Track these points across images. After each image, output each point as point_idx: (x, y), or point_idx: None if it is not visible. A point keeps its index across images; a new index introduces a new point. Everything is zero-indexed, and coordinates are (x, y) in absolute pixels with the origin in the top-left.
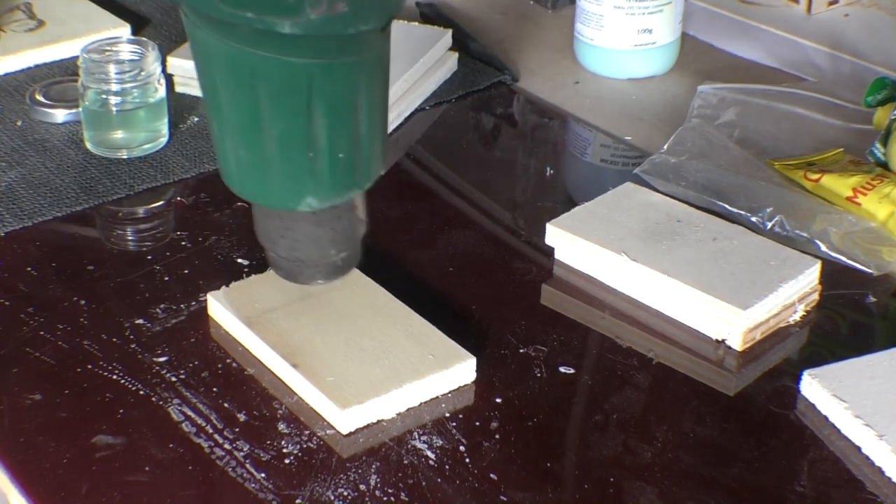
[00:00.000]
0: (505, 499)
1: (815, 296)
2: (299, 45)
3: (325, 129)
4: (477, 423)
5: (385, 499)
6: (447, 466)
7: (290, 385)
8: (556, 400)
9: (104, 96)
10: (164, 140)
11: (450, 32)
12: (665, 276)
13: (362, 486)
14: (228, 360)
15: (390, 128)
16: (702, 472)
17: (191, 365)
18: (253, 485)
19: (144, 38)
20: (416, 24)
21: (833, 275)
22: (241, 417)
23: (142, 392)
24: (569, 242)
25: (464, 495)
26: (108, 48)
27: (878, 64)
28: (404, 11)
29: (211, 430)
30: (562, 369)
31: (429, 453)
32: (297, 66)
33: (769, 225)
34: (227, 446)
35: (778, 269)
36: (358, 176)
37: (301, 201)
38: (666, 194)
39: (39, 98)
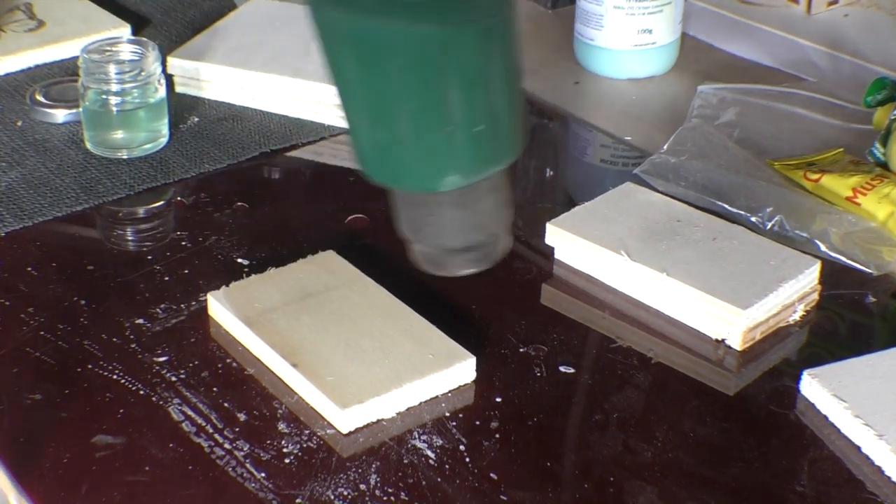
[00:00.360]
0: (505, 498)
1: (815, 296)
2: (426, 12)
3: (459, 101)
4: (477, 423)
5: (385, 498)
6: (447, 466)
7: (290, 385)
8: (556, 399)
9: (104, 96)
10: (164, 140)
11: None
12: (665, 275)
13: (362, 486)
14: (228, 360)
15: None
16: (701, 472)
17: (191, 365)
18: (253, 484)
19: (144, 39)
20: None
21: (833, 275)
22: (242, 417)
23: (142, 392)
24: (569, 242)
25: (464, 495)
26: (109, 48)
27: (878, 64)
28: None
29: (211, 430)
30: (562, 369)
31: (429, 453)
32: (426, 34)
33: (769, 225)
34: (227, 446)
35: (778, 268)
36: (499, 149)
37: (443, 180)
38: (666, 194)
39: (40, 98)
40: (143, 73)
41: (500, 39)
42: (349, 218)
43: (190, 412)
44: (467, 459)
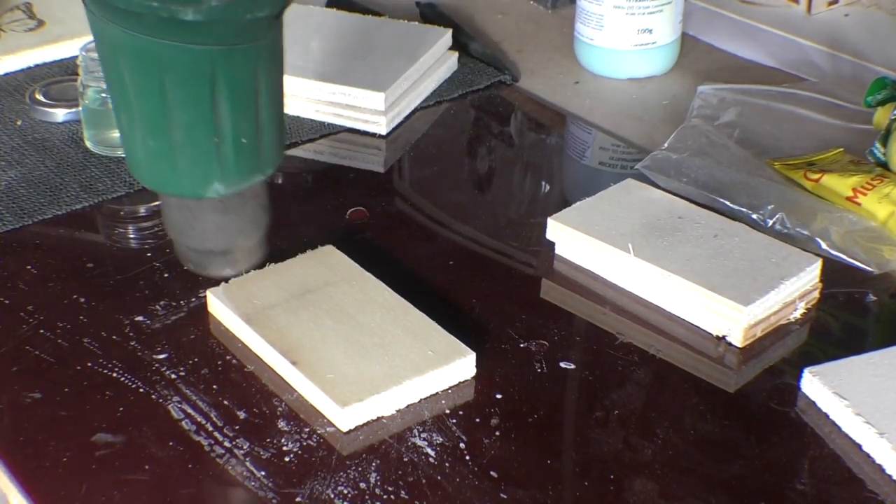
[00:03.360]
0: (505, 496)
1: (816, 294)
2: (201, 32)
3: (228, 115)
4: (477, 420)
5: (385, 496)
6: (447, 464)
7: (290, 382)
8: (556, 396)
9: (104, 95)
10: None
11: (450, 32)
12: (666, 272)
13: (362, 484)
14: (228, 357)
15: (391, 125)
16: (702, 469)
17: (190, 362)
18: (253, 483)
19: None
20: (416, 23)
21: (833, 273)
22: (241, 415)
23: (141, 390)
24: (569, 237)
25: (464, 493)
26: None
27: (878, 64)
28: (404, 11)
29: (211, 428)
30: (562, 365)
31: (429, 450)
32: (200, 52)
33: (770, 222)
34: (226, 444)
35: (779, 266)
36: (261, 161)
37: (209, 188)
38: (667, 190)
39: (39, 97)
40: None
41: (268, 59)
42: (350, 211)
43: (190, 410)
44: (467, 457)
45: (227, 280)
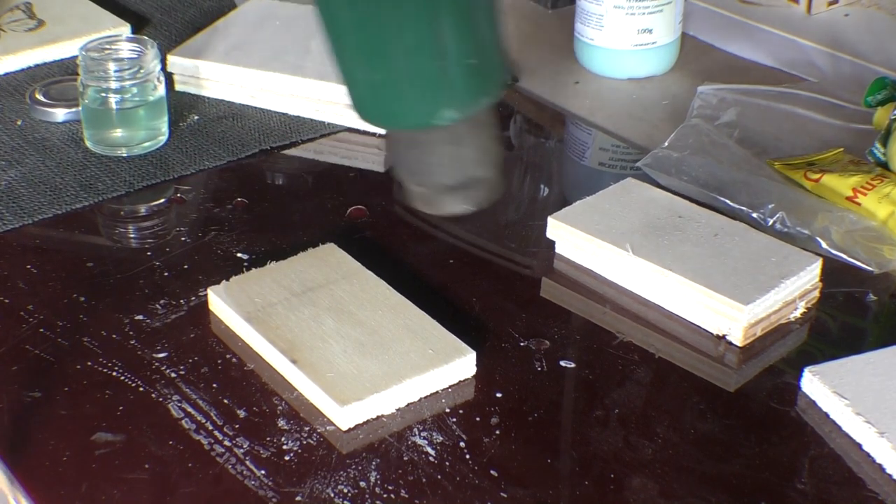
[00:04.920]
0: (505, 495)
1: (816, 293)
2: None
3: (451, 34)
4: (477, 419)
5: (385, 495)
6: (447, 462)
7: (290, 380)
8: (556, 394)
9: (104, 94)
10: (163, 138)
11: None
12: (666, 270)
13: (362, 483)
14: (228, 356)
15: None
16: (702, 469)
17: (190, 361)
18: (253, 482)
19: (144, 37)
20: None
21: (834, 272)
22: (241, 414)
23: (141, 388)
24: (570, 236)
25: (464, 492)
26: (108, 46)
27: (878, 64)
28: None
29: (211, 427)
30: (562, 363)
31: (429, 449)
32: None
33: (770, 221)
34: (226, 443)
35: (779, 265)
36: (488, 82)
37: (437, 115)
38: (667, 188)
39: (39, 97)
40: (142, 71)
41: None
42: (350, 209)
43: (189, 409)
44: (467, 456)
45: (219, 249)
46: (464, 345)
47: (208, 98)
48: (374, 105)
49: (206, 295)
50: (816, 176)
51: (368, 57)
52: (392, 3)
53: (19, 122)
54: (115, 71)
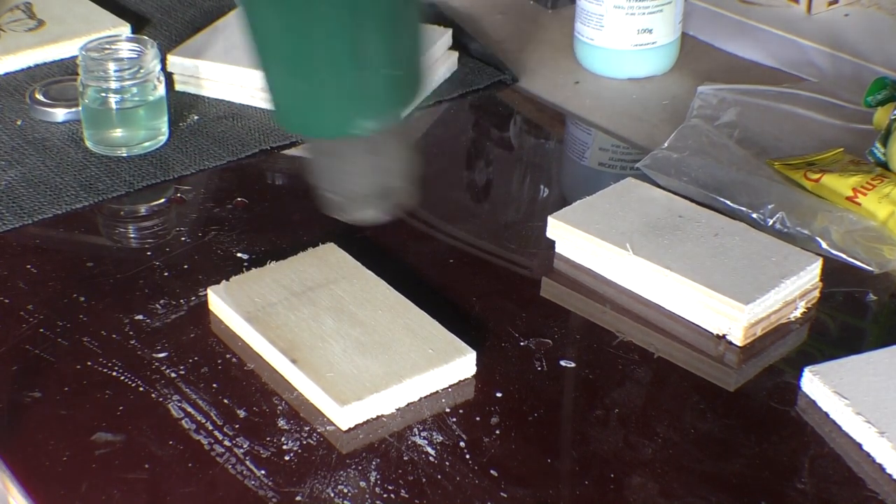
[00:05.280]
0: (505, 495)
1: (816, 293)
2: None
3: (373, 45)
4: (477, 418)
5: (385, 495)
6: (447, 462)
7: (290, 380)
8: (556, 394)
9: (104, 94)
10: (163, 138)
11: (450, 32)
12: (666, 270)
13: (362, 483)
14: (228, 356)
15: None
16: (702, 468)
17: (190, 361)
18: (253, 482)
19: (144, 37)
20: None
21: (834, 272)
22: (241, 414)
23: (141, 388)
24: (570, 236)
25: (464, 491)
26: (108, 46)
27: (878, 64)
28: None
29: (211, 427)
30: (562, 363)
31: (429, 449)
32: None
33: (770, 222)
34: (226, 443)
35: (779, 265)
36: (406, 93)
37: (356, 124)
38: (667, 189)
39: (39, 97)
40: (142, 71)
41: None
42: None
43: (189, 409)
44: (467, 455)
45: (219, 249)
46: (464, 344)
47: (208, 98)
48: (295, 113)
49: (206, 295)
50: (816, 176)
51: (292, 66)
52: (317, 15)
53: (19, 122)
54: (115, 71)
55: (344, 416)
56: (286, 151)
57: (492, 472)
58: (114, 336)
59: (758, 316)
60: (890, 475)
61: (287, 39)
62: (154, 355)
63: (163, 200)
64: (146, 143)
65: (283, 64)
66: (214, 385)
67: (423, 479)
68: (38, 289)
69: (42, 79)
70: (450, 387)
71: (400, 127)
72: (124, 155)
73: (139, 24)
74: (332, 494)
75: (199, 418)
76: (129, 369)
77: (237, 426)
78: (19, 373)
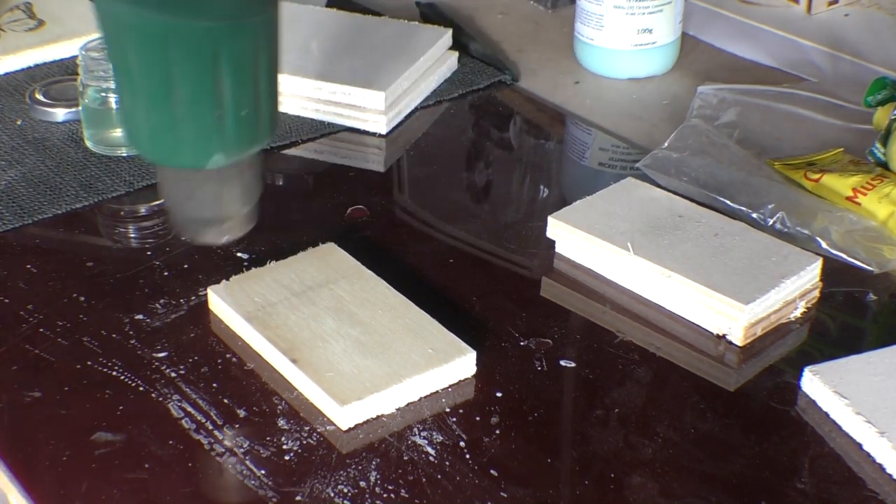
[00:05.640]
0: (505, 495)
1: (816, 293)
2: (206, 9)
3: (230, 88)
4: (477, 418)
5: (385, 495)
6: (447, 462)
7: (290, 380)
8: (556, 394)
9: (104, 94)
10: None
11: (450, 32)
12: (666, 270)
13: (362, 483)
14: (228, 355)
15: (391, 125)
16: (702, 468)
17: (190, 360)
18: (253, 481)
19: None
20: (416, 23)
21: (834, 272)
22: (241, 413)
23: (141, 388)
24: (570, 236)
25: (464, 491)
26: None
27: (878, 64)
28: (404, 11)
29: (211, 427)
30: (562, 363)
31: (429, 449)
32: (204, 29)
33: (770, 221)
34: (226, 442)
35: (779, 265)
36: (260, 131)
37: (210, 159)
38: (667, 189)
39: (39, 97)
40: None
41: (267, 34)
42: (350, 209)
43: (189, 408)
44: (467, 455)
45: (218, 248)
46: (464, 344)
47: None
48: (151, 144)
49: (206, 294)
50: (816, 176)
51: (151, 101)
52: (179, 56)
53: (19, 122)
54: None
55: (344, 415)
56: (286, 151)
57: (492, 471)
58: (114, 336)
59: (758, 316)
60: (890, 475)
61: (147, 78)
62: (154, 355)
63: (163, 200)
64: None
65: (142, 99)
66: (214, 385)
67: (423, 479)
68: (38, 288)
69: (42, 79)
70: (450, 386)
71: (249, 159)
72: (124, 155)
73: None
74: (332, 494)
75: (199, 418)
76: (129, 369)
77: (237, 426)
78: (19, 373)
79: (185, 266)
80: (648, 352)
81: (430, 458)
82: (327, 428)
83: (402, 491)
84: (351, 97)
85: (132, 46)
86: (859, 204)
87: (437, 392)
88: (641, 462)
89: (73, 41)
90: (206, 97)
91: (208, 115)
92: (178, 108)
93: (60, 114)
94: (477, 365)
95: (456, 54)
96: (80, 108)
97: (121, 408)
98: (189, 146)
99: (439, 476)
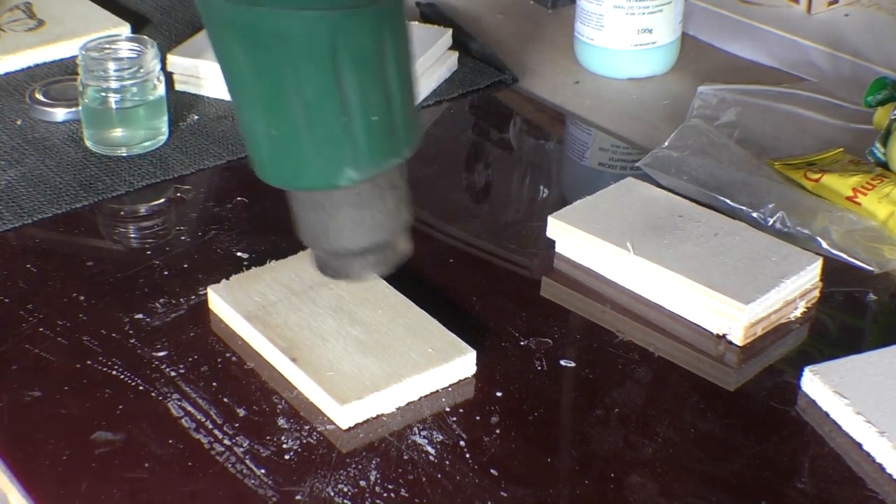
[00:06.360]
0: (505, 494)
1: (816, 293)
2: None
3: (354, 88)
4: (477, 418)
5: (385, 494)
6: (447, 462)
7: (290, 379)
8: (556, 393)
9: (103, 94)
10: (163, 138)
11: (450, 32)
12: (666, 270)
13: (362, 482)
14: (228, 355)
15: None
16: (702, 468)
17: (190, 359)
18: (253, 481)
19: (143, 36)
20: (417, 23)
21: (834, 272)
22: (241, 413)
23: (141, 387)
24: (570, 235)
25: (464, 491)
26: (107, 46)
27: (878, 64)
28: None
29: (210, 426)
30: (562, 363)
31: (429, 448)
32: (319, 17)
33: (770, 221)
34: (226, 442)
35: (779, 265)
36: (395, 141)
37: (341, 175)
38: (667, 188)
39: (39, 97)
40: (141, 71)
41: (392, 23)
42: None
43: (189, 408)
44: (467, 455)
45: (218, 248)
46: (464, 344)
47: (208, 98)
48: (275, 163)
49: (206, 294)
50: (816, 176)
51: (268, 110)
52: (291, 54)
53: (19, 122)
54: (115, 70)
55: (344, 415)
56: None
57: (492, 471)
58: (114, 335)
59: (758, 316)
60: (890, 475)
61: (259, 81)
62: (154, 354)
63: (163, 200)
64: (146, 143)
65: (257, 108)
66: (214, 384)
67: (423, 479)
68: (38, 288)
69: (42, 79)
70: (450, 386)
71: (389, 176)
72: (124, 154)
73: (139, 24)
74: (332, 493)
75: (199, 417)
76: (128, 368)
77: (237, 425)
78: (19, 372)
79: (185, 266)
80: (648, 352)
81: (430, 458)
82: (327, 427)
83: (402, 490)
84: None
85: (239, 49)
86: (859, 204)
87: (437, 391)
88: (641, 462)
89: (73, 41)
90: (328, 100)
91: (333, 121)
92: (299, 116)
93: (60, 114)
94: (477, 364)
95: (456, 54)
96: (80, 108)
97: (120, 407)
98: (316, 161)
99: (439, 475)
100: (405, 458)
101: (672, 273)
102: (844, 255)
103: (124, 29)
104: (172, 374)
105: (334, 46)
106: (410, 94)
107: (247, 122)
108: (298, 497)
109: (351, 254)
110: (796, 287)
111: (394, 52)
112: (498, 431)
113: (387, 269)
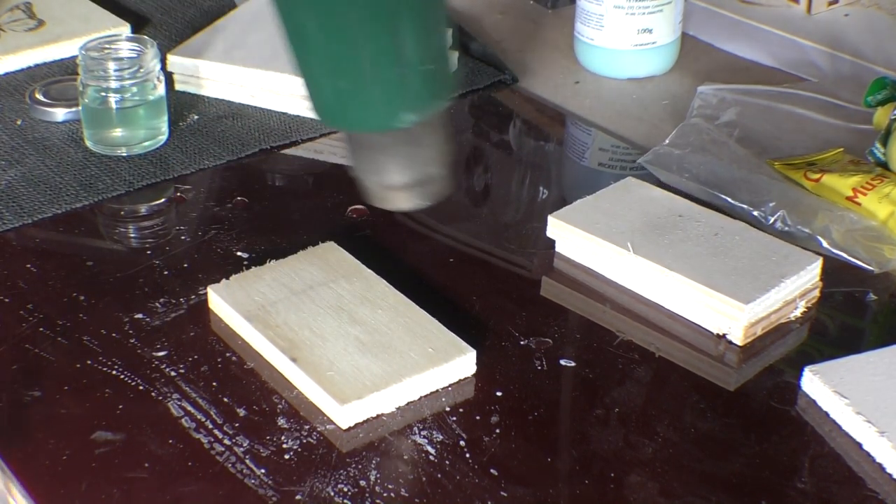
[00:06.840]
0: (505, 494)
1: (816, 292)
2: None
3: (411, 42)
4: (477, 418)
5: (385, 494)
6: (447, 461)
7: (290, 379)
8: (556, 393)
9: (103, 94)
10: (163, 138)
11: (450, 32)
12: (667, 270)
13: (362, 482)
14: (228, 354)
15: None
16: (702, 468)
17: (190, 359)
18: (253, 480)
19: (143, 36)
20: None
21: (834, 272)
22: (241, 412)
23: (141, 387)
24: (570, 235)
25: (464, 490)
26: (107, 45)
27: (878, 64)
28: None
29: (210, 426)
30: (562, 362)
31: (429, 448)
32: None
33: (771, 220)
34: (226, 441)
35: (779, 264)
36: (442, 86)
37: (399, 117)
38: (668, 186)
39: (39, 97)
40: (141, 70)
41: None
42: (350, 208)
43: (189, 407)
44: (467, 454)
45: (219, 247)
46: (464, 343)
47: (208, 97)
48: (338, 110)
49: (206, 293)
50: (816, 176)
51: (334, 66)
52: (357, 17)
53: (19, 122)
54: (115, 70)
55: (344, 414)
56: (286, 151)
57: (492, 471)
58: (114, 335)
59: (758, 315)
60: (890, 475)
61: (328, 41)
62: (154, 354)
63: (163, 200)
64: (146, 143)
65: (325, 64)
66: (214, 384)
67: (423, 479)
68: (38, 288)
69: (42, 79)
70: (450, 386)
71: (436, 117)
72: (124, 154)
73: (139, 24)
74: (332, 493)
75: (198, 417)
76: (128, 368)
77: (237, 425)
78: (19, 372)
79: (185, 265)
80: (648, 351)
81: (431, 458)
82: (327, 427)
83: (402, 490)
84: None
85: (311, 13)
86: (859, 204)
87: (437, 391)
88: (641, 461)
89: (73, 41)
90: (388, 55)
91: (392, 72)
92: (362, 70)
93: (60, 114)
94: (477, 364)
95: (456, 54)
96: (80, 107)
97: (120, 407)
98: (375, 108)
99: (439, 475)
100: (405, 457)
101: (672, 273)
102: (845, 255)
103: (124, 29)
104: (172, 373)
105: (396, 6)
106: (447, 47)
107: (310, 76)
108: (298, 497)
109: (401, 185)
110: (796, 287)
111: (441, 10)
112: (498, 431)
113: (432, 199)
